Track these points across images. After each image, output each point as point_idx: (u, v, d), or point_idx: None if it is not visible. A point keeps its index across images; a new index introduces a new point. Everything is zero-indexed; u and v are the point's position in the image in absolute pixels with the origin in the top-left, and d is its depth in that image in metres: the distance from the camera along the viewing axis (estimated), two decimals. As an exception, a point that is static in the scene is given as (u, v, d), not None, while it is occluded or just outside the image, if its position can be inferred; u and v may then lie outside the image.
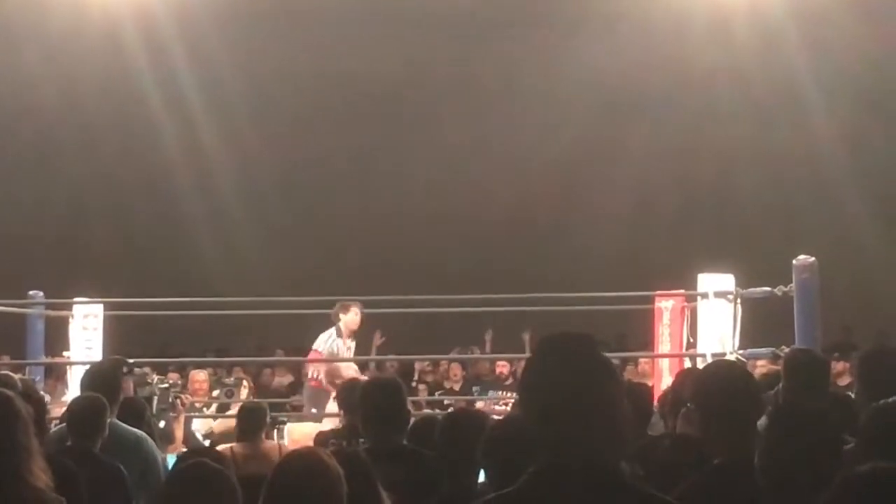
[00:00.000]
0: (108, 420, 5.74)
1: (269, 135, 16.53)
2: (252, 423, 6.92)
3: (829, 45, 14.96)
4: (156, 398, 7.79)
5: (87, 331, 10.60)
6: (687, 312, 9.94)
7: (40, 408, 5.19)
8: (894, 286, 15.52)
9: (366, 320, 10.92)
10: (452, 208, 16.72)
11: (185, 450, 7.07)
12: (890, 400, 3.95)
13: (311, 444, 5.39)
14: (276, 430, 9.11)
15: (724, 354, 9.04)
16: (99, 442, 5.58)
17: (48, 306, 11.25)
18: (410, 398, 9.14)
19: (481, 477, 4.50)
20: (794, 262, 8.94)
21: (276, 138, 16.55)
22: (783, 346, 8.69)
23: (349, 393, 6.18)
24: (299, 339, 12.77)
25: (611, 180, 16.35)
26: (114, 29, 14.87)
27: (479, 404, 11.96)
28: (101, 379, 6.26)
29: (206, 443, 9.03)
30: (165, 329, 13.73)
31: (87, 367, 7.27)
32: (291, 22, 15.26)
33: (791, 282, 8.91)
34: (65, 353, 10.93)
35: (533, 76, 16.12)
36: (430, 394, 13.08)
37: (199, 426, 9.80)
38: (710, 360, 8.75)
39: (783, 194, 16.50)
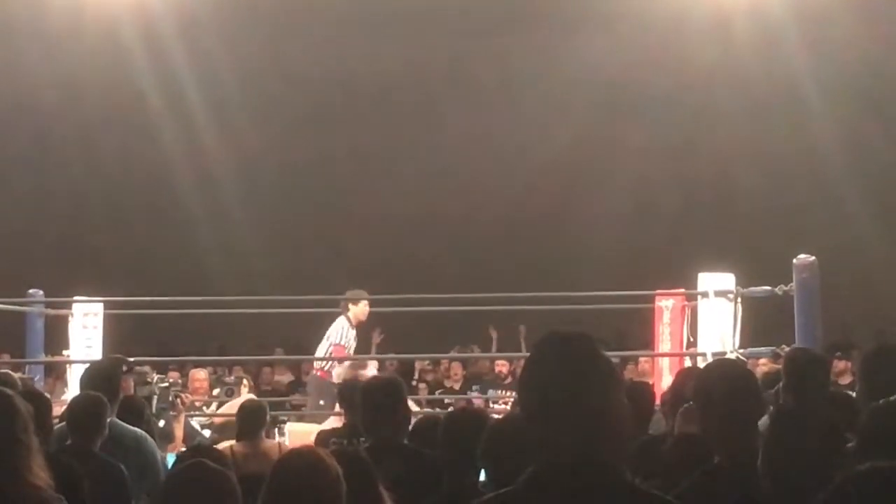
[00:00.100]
0: (108, 419, 5.74)
1: (269, 135, 16.53)
2: (252, 422, 6.91)
3: (829, 45, 14.95)
4: (155, 397, 7.79)
5: (86, 329, 10.59)
6: (687, 311, 9.94)
7: (44, 407, 5.18)
8: (894, 286, 15.52)
9: (366, 319, 10.94)
10: (452, 207, 16.72)
11: (184, 449, 7.07)
12: (890, 399, 3.94)
13: (311, 443, 5.39)
14: (276, 430, 9.12)
15: (725, 353, 9.04)
16: (99, 441, 5.58)
17: (48, 305, 11.24)
18: (411, 397, 9.14)
19: (482, 476, 4.51)
20: (794, 261, 8.95)
21: (276, 138, 16.55)
22: (783, 346, 8.70)
23: (349, 392, 6.19)
24: (299, 338, 12.79)
25: (610, 179, 16.34)
26: (114, 29, 14.87)
27: (478, 402, 11.96)
28: (100, 378, 6.26)
29: (206, 433, 9.04)
30: (165, 328, 13.75)
31: (87, 365, 7.26)
32: (291, 22, 15.26)
33: (791, 281, 8.91)
34: (64, 352, 10.93)
35: (532, 75, 16.12)
36: (431, 393, 13.08)
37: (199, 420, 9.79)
38: (710, 359, 8.76)
39: (783, 194, 16.50)
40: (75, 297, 10.97)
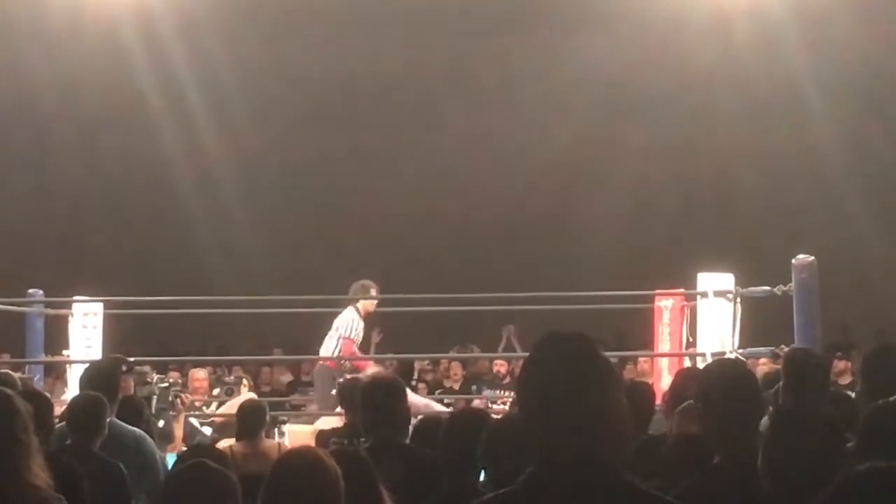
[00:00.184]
0: (108, 419, 5.74)
1: (269, 135, 16.53)
2: (252, 422, 6.91)
3: (829, 45, 14.95)
4: (155, 397, 7.79)
5: (86, 329, 10.59)
6: (687, 311, 9.94)
7: (45, 407, 5.18)
8: (894, 286, 15.52)
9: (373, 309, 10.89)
10: (452, 207, 16.71)
11: (184, 448, 7.07)
12: (890, 399, 3.94)
13: (310, 443, 5.40)
14: (276, 430, 9.11)
15: (724, 354, 9.04)
16: (98, 441, 5.59)
17: (48, 304, 11.24)
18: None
19: (482, 476, 4.51)
20: (793, 261, 8.95)
21: (276, 138, 16.55)
22: (783, 346, 8.70)
23: (349, 392, 6.19)
24: (299, 338, 12.78)
25: (610, 179, 16.34)
26: (114, 29, 14.86)
27: (477, 402, 11.95)
28: (100, 378, 6.26)
29: (206, 430, 9.03)
30: (165, 328, 13.74)
31: (87, 365, 7.26)
32: (291, 22, 15.26)
33: (791, 281, 8.91)
34: (64, 352, 10.93)
35: (532, 75, 16.11)
36: (430, 393, 13.07)
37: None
38: (709, 359, 8.76)
39: (783, 194, 16.49)
40: (75, 297, 10.97)
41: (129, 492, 5.45)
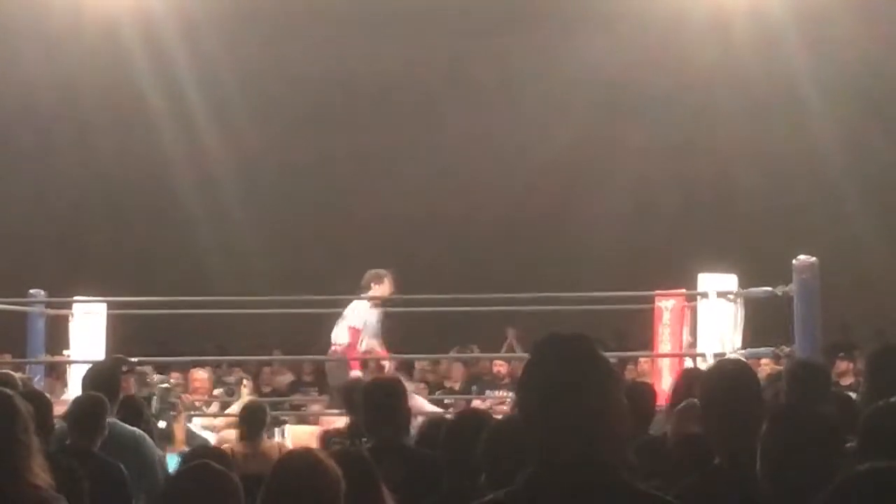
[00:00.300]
0: (108, 419, 5.74)
1: (269, 135, 16.53)
2: (253, 423, 6.92)
3: (829, 45, 14.96)
4: (155, 398, 7.80)
5: (87, 329, 10.59)
6: (687, 312, 9.94)
7: (45, 407, 5.19)
8: (894, 286, 15.52)
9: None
10: (452, 207, 16.71)
11: (185, 449, 7.07)
12: (890, 399, 3.94)
13: (311, 444, 5.40)
14: (276, 430, 9.11)
15: (725, 354, 9.03)
16: (99, 441, 5.59)
17: (49, 305, 11.24)
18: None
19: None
20: (794, 262, 8.94)
21: (276, 138, 16.55)
22: (783, 346, 8.70)
23: (351, 392, 6.19)
24: (298, 339, 12.78)
25: (610, 179, 16.34)
26: (114, 29, 14.87)
27: (480, 403, 11.95)
28: (101, 378, 6.27)
29: (207, 434, 9.03)
30: (165, 328, 13.74)
31: (88, 366, 7.26)
32: (291, 22, 15.27)
33: (791, 281, 8.91)
34: (65, 352, 10.93)
35: (532, 75, 16.12)
36: (430, 393, 13.07)
37: (200, 421, 9.79)
38: (710, 359, 8.76)
39: (783, 194, 16.49)
40: (76, 297, 10.97)
41: (129, 492, 5.45)
